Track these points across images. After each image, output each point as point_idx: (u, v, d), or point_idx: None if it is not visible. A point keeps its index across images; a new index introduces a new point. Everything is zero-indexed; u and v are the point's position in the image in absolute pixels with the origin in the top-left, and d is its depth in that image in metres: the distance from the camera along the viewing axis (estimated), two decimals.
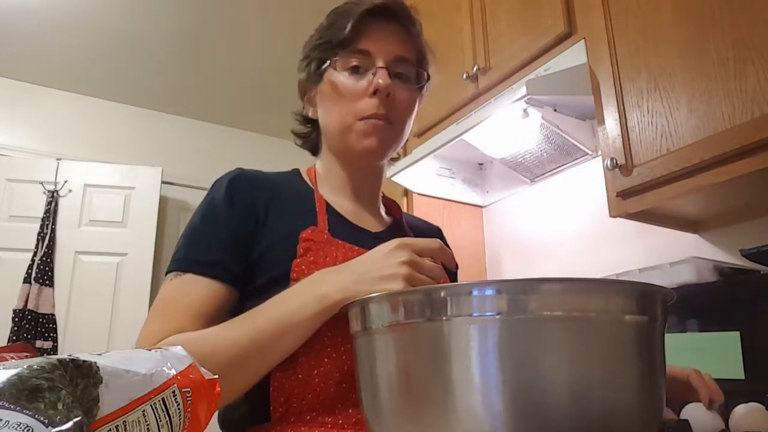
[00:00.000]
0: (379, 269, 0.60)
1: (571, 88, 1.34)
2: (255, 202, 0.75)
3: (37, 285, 2.77)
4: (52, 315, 2.78)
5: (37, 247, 2.85)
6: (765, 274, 1.12)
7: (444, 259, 0.64)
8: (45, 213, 2.92)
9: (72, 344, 2.77)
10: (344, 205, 0.82)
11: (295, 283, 0.66)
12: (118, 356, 0.34)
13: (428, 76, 0.84)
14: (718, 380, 0.75)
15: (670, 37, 1.14)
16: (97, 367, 0.31)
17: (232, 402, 0.69)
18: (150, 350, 0.37)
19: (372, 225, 0.84)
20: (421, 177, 1.86)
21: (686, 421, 0.66)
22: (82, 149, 3.28)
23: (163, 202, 3.31)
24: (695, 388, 0.72)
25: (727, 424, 0.69)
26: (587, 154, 1.62)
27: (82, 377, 0.30)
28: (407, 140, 0.90)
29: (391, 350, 0.48)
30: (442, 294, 0.45)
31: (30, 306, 2.71)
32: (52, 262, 2.87)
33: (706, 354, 1.07)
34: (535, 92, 1.33)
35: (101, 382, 0.31)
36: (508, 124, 1.53)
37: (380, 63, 0.76)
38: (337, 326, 0.63)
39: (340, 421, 0.65)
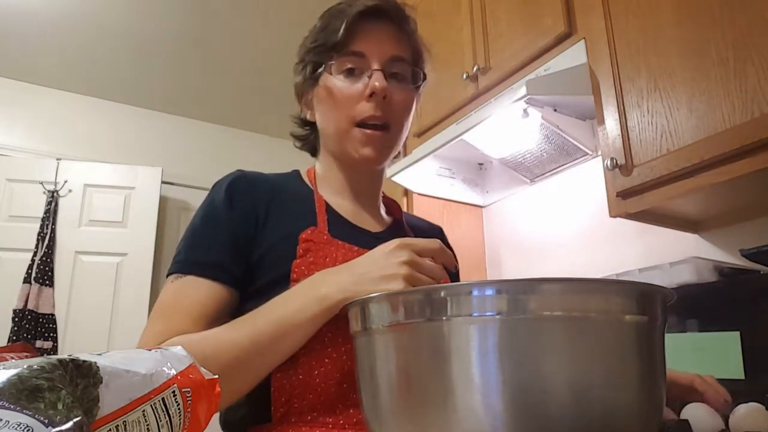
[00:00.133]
0: (379, 269, 0.60)
1: (571, 88, 1.34)
2: (255, 204, 0.75)
3: (37, 285, 2.77)
4: (52, 315, 2.78)
5: (37, 247, 2.85)
6: (765, 274, 1.11)
7: (444, 259, 0.64)
8: (45, 213, 2.92)
9: (72, 344, 2.77)
10: (344, 206, 0.82)
11: (295, 284, 0.66)
12: (118, 356, 0.34)
13: (425, 75, 0.83)
14: (717, 380, 0.75)
15: (670, 37, 1.14)
16: (97, 367, 0.31)
17: (233, 403, 0.69)
18: (150, 350, 0.37)
19: (372, 225, 0.84)
20: (421, 177, 1.86)
21: (686, 421, 0.66)
22: (82, 149, 3.27)
23: (163, 202, 3.31)
24: (701, 392, 0.72)
25: (727, 424, 0.69)
26: (587, 154, 1.62)
27: (82, 377, 0.30)
28: (407, 140, 0.90)
29: (391, 350, 0.48)
30: (442, 294, 0.45)
31: (30, 306, 2.71)
32: (52, 262, 2.87)
33: (706, 354, 1.07)
34: (535, 92, 1.33)
35: (101, 382, 0.31)
36: (508, 124, 1.53)
37: (375, 65, 0.76)
38: (337, 327, 0.63)
39: (341, 422, 0.65)
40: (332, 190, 0.84)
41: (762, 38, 0.98)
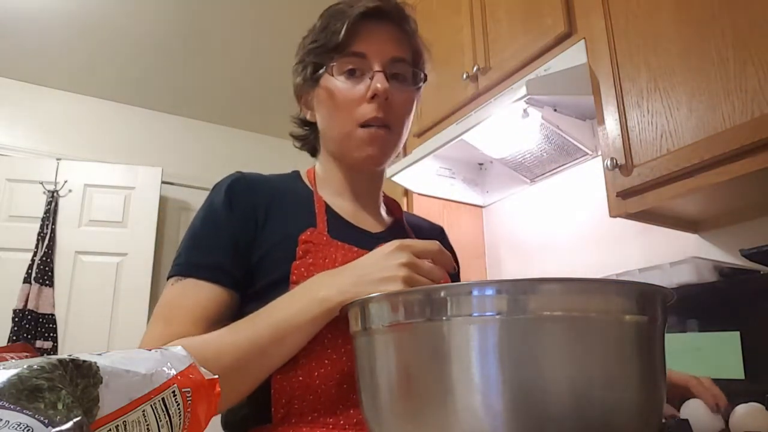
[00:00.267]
0: (378, 271, 0.60)
1: (571, 88, 1.34)
2: (255, 206, 0.75)
3: (37, 285, 2.77)
4: (52, 315, 2.78)
5: (37, 247, 2.85)
6: (765, 274, 1.12)
7: (443, 261, 0.64)
8: (45, 213, 2.92)
9: (72, 344, 2.77)
10: (344, 206, 0.82)
11: (295, 285, 0.66)
12: (118, 356, 0.34)
13: (425, 75, 0.83)
14: (717, 380, 0.75)
15: (670, 37, 1.14)
16: (97, 367, 0.31)
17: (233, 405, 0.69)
18: (150, 350, 0.37)
19: (372, 225, 0.83)
20: (421, 177, 1.86)
21: (686, 420, 0.66)
22: (82, 149, 3.27)
23: (163, 202, 3.31)
24: (696, 395, 0.72)
25: (727, 424, 0.70)
26: (587, 154, 1.62)
27: (82, 377, 0.30)
28: (407, 140, 0.90)
29: (390, 350, 0.48)
30: (442, 294, 0.45)
31: (30, 306, 2.71)
32: (52, 262, 2.87)
33: (706, 354, 1.07)
34: (535, 92, 1.33)
35: (101, 382, 0.31)
36: (508, 124, 1.53)
37: (376, 66, 0.76)
38: (337, 328, 0.63)
39: (342, 422, 0.65)
40: (332, 191, 0.83)
41: (762, 38, 0.98)
